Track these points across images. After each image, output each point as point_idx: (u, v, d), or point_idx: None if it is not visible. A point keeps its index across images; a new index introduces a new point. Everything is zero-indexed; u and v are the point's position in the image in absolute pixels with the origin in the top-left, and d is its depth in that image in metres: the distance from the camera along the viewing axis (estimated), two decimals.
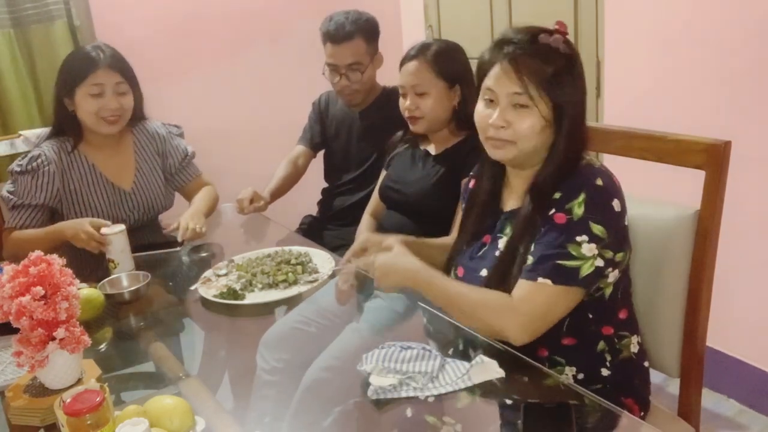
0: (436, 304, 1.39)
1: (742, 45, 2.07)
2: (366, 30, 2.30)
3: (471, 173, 1.59)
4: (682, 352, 1.45)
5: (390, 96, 2.27)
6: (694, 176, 1.39)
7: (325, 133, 2.51)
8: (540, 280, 1.26)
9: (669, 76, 2.29)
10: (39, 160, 2.01)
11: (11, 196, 2.03)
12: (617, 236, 1.28)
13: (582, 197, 1.26)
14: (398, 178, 2.06)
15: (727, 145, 1.34)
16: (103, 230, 1.83)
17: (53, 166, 2.02)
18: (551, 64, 1.29)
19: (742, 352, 2.32)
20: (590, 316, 1.34)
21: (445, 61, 1.94)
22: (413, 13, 3.45)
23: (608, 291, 1.34)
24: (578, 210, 1.26)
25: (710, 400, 2.34)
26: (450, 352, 1.31)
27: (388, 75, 2.36)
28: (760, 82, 2.04)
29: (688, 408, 1.46)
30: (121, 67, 2.05)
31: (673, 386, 1.50)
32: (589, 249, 1.25)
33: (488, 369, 1.21)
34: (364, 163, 2.41)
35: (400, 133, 2.14)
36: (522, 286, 1.28)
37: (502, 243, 1.39)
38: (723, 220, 1.38)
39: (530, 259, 1.29)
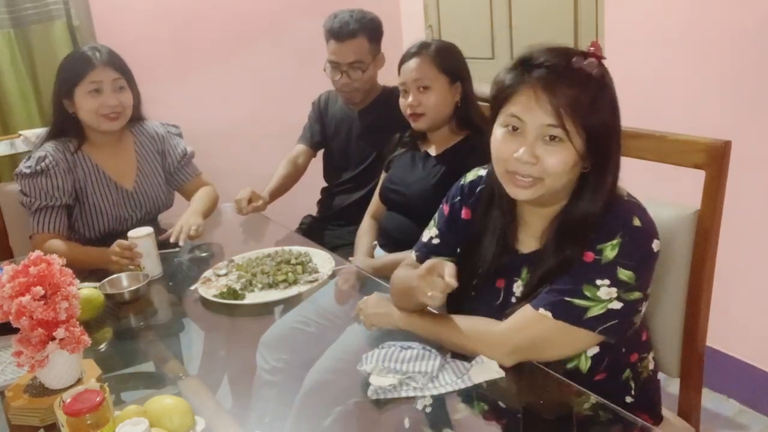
0: (428, 338, 1.33)
1: (742, 45, 2.07)
2: (369, 29, 2.30)
3: (458, 198, 1.40)
4: (682, 352, 1.45)
5: (390, 96, 2.27)
6: (694, 176, 1.39)
7: (325, 132, 2.51)
8: (541, 310, 1.19)
9: (669, 76, 2.29)
10: (47, 161, 2.00)
11: (31, 199, 1.99)
12: (649, 276, 1.21)
13: (617, 240, 1.16)
14: (398, 179, 2.06)
15: (727, 145, 1.34)
16: (130, 233, 1.81)
17: (63, 165, 2.02)
18: (588, 92, 1.15)
19: (742, 352, 2.31)
20: (624, 349, 1.27)
21: (447, 57, 1.95)
22: (413, 13, 3.45)
23: (638, 319, 1.26)
24: (610, 253, 1.16)
25: (710, 400, 2.34)
26: (449, 352, 1.31)
27: (387, 75, 2.36)
28: (760, 82, 2.04)
29: (688, 408, 1.46)
30: (118, 64, 2.06)
31: (673, 386, 1.50)
32: (607, 293, 1.16)
33: (488, 369, 1.21)
34: (363, 162, 2.41)
35: (397, 136, 2.14)
36: (523, 311, 1.22)
37: (517, 288, 1.29)
38: (723, 220, 1.38)
39: (546, 288, 1.22)
